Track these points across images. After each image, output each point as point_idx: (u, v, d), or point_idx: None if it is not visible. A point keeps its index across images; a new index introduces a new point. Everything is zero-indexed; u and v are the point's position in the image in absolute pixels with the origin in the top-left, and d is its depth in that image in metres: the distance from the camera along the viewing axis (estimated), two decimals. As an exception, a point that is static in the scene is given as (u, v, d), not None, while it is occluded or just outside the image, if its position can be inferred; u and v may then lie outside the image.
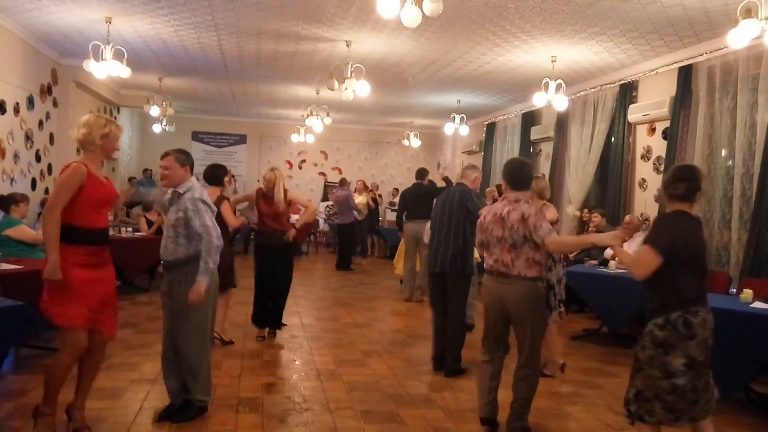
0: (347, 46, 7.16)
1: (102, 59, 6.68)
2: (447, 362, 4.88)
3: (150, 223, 8.27)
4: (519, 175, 3.69)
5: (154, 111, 10.24)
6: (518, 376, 3.58)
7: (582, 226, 7.93)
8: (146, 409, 3.89)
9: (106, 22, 6.59)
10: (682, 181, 2.96)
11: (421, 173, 8.21)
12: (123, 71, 6.86)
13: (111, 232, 7.93)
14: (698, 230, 2.99)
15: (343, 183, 12.30)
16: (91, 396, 4.04)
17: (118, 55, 6.80)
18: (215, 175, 5.40)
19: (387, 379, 4.70)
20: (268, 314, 5.79)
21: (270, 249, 5.66)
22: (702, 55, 6.55)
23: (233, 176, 14.14)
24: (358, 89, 7.36)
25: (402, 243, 8.44)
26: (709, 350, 2.90)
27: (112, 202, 3.54)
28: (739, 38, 4.57)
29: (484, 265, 3.78)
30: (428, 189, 7.98)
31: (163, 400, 4.02)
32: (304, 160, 15.73)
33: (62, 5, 6.26)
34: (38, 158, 8.28)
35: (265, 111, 13.50)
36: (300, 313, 7.04)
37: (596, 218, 7.39)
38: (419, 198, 7.84)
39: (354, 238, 11.86)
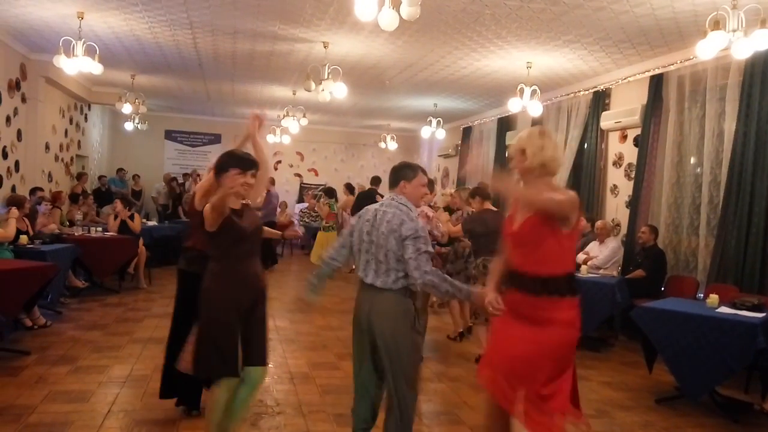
0: (324, 47, 7.14)
1: (73, 55, 6.54)
2: None
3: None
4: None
5: (127, 109, 10.05)
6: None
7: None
8: (114, 412, 3.81)
9: (78, 17, 6.45)
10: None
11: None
12: (94, 68, 6.72)
13: (80, 232, 7.96)
14: None
15: (272, 182, 12.54)
16: (58, 399, 3.97)
17: (89, 51, 6.66)
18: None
19: (360, 382, 4.69)
20: None
21: None
22: (672, 64, 6.70)
23: (198, 175, 13.99)
24: (335, 91, 7.33)
25: (319, 236, 10.17)
26: None
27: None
28: (707, 49, 4.68)
29: None
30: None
31: (132, 403, 3.95)
32: (279, 161, 15.61)
33: (32, -1, 6.11)
34: (5, 155, 8.06)
35: (241, 111, 13.37)
36: (274, 315, 6.96)
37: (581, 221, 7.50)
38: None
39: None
